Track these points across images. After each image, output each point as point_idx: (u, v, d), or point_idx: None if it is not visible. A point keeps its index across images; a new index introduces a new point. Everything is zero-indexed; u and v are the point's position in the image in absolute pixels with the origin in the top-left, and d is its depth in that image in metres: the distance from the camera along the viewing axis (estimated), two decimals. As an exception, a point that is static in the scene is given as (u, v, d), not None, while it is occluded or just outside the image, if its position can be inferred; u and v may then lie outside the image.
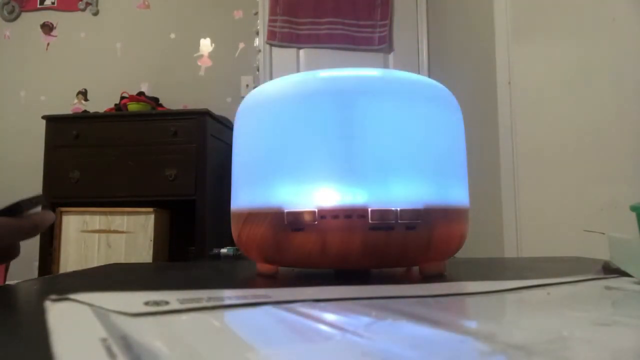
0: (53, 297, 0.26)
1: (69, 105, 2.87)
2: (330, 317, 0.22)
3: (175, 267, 0.50)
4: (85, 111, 2.67)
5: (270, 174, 0.38)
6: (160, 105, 2.59)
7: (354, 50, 2.70)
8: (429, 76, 2.60)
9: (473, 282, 0.34)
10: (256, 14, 2.77)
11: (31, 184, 2.81)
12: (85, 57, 2.89)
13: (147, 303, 0.24)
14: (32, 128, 2.84)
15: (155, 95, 2.71)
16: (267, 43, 2.70)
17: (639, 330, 0.20)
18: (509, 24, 1.61)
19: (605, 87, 1.30)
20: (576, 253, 0.75)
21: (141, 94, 2.59)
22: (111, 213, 2.09)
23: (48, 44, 2.93)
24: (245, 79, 2.76)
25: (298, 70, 2.70)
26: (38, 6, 2.95)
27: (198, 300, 0.25)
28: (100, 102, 2.81)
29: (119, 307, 0.23)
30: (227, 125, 2.51)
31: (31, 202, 0.38)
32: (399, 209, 0.36)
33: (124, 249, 2.07)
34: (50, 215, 0.39)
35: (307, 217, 0.36)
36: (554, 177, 1.43)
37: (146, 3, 2.88)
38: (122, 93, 2.68)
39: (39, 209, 0.39)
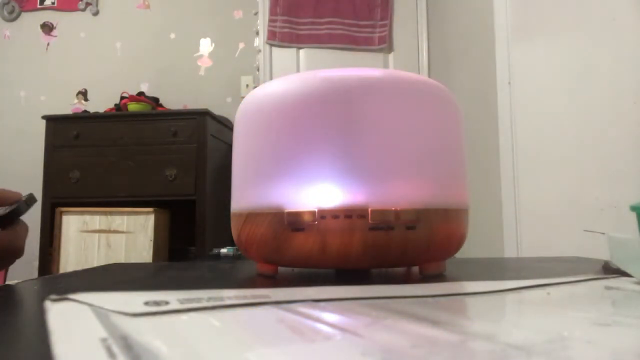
0: (53, 297, 0.26)
1: (69, 105, 2.87)
2: (330, 317, 0.22)
3: (175, 267, 0.50)
4: (85, 111, 2.68)
5: (270, 174, 0.38)
6: (160, 105, 2.59)
7: (354, 50, 2.70)
8: (429, 76, 2.60)
9: (473, 282, 0.34)
10: (256, 14, 2.77)
11: (31, 184, 2.81)
12: (85, 57, 2.90)
13: (147, 303, 0.24)
14: (32, 128, 2.84)
15: (155, 95, 2.71)
16: (267, 43, 2.70)
17: (639, 330, 0.20)
18: (509, 24, 1.61)
19: (605, 87, 1.30)
20: (576, 253, 0.75)
21: (141, 94, 2.59)
22: (111, 213, 2.09)
23: (48, 44, 2.93)
24: (245, 79, 2.76)
25: (298, 70, 2.70)
26: (38, 6, 2.95)
27: (198, 300, 0.25)
28: (100, 102, 2.82)
29: (119, 307, 0.23)
30: (227, 125, 2.51)
31: (28, 204, 0.38)
32: (399, 209, 0.36)
33: (124, 249, 2.07)
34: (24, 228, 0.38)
35: (307, 217, 0.36)
36: (554, 177, 1.43)
37: (146, 3, 2.89)
38: (122, 93, 2.68)
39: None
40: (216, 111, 2.71)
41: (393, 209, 0.36)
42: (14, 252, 0.37)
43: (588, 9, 1.35)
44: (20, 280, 0.38)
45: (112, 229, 2.08)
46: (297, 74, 0.40)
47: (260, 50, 2.72)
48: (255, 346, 0.17)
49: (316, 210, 0.36)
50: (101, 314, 0.22)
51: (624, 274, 0.38)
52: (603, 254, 0.46)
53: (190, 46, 2.83)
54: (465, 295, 0.29)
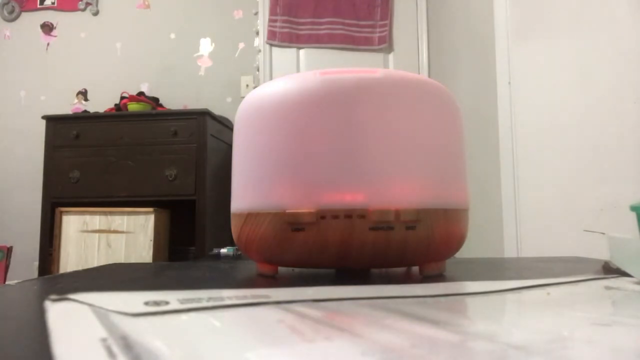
0: (53, 297, 0.26)
1: (69, 105, 2.87)
2: (330, 317, 0.22)
3: (175, 267, 0.50)
4: (85, 111, 2.68)
5: (270, 174, 0.38)
6: (160, 105, 2.59)
7: (353, 50, 2.70)
8: (429, 76, 2.60)
9: (473, 282, 0.34)
10: (256, 14, 2.77)
11: (31, 184, 2.81)
12: (85, 57, 2.90)
13: (147, 303, 0.24)
14: (32, 128, 2.84)
15: (155, 95, 2.72)
16: (267, 43, 2.70)
17: (639, 330, 0.20)
18: (509, 24, 1.61)
19: (605, 87, 1.30)
20: (576, 253, 0.75)
21: (141, 94, 2.59)
22: (111, 213, 2.09)
23: (48, 44, 2.93)
24: (245, 79, 2.76)
25: (298, 70, 2.70)
26: (38, 6, 2.96)
27: (198, 300, 0.25)
28: (100, 102, 2.82)
29: (119, 307, 0.23)
30: (227, 125, 2.52)
31: None
32: (399, 209, 0.36)
33: (124, 249, 2.07)
34: None
35: (307, 217, 0.36)
36: (554, 177, 1.43)
37: (146, 3, 2.89)
38: (122, 93, 2.68)
39: None
40: (216, 111, 2.71)
41: (393, 209, 0.36)
42: None
43: (588, 9, 1.35)
44: (20, 280, 0.38)
45: (112, 229, 2.08)
46: (297, 74, 0.40)
47: (260, 50, 2.72)
48: (255, 346, 0.17)
49: (316, 210, 0.36)
50: (101, 314, 0.22)
51: (624, 274, 0.38)
52: (603, 254, 0.46)
53: (190, 46, 2.83)
54: (465, 295, 0.29)
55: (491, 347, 0.17)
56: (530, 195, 1.51)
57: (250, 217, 0.39)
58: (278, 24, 2.68)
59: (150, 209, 2.07)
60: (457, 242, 0.40)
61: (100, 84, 2.86)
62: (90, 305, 0.24)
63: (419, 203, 0.37)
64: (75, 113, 2.69)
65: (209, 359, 0.15)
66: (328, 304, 0.25)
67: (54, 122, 2.28)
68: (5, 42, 2.96)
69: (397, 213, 0.36)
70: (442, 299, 0.27)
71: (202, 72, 2.81)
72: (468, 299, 0.28)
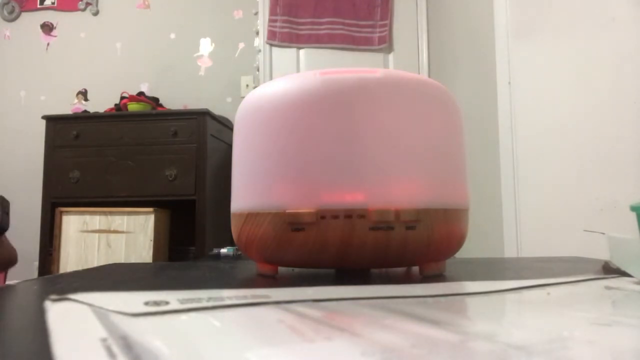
0: (53, 297, 0.26)
1: (69, 105, 2.87)
2: (330, 317, 0.22)
3: (175, 267, 0.50)
4: (85, 111, 2.68)
5: (270, 174, 0.38)
6: (160, 105, 2.59)
7: (353, 50, 2.70)
8: (429, 76, 2.60)
9: (473, 282, 0.34)
10: (256, 14, 2.77)
11: (31, 184, 2.81)
12: (85, 57, 2.90)
13: (147, 303, 0.24)
14: (32, 128, 2.84)
15: (155, 95, 2.72)
16: (267, 43, 2.70)
17: (639, 330, 0.20)
18: (509, 24, 1.61)
19: (605, 87, 1.29)
20: (576, 253, 0.75)
21: (141, 94, 2.59)
22: (111, 213, 2.09)
23: (48, 44, 2.93)
24: (245, 79, 2.76)
25: (298, 70, 2.70)
26: (38, 6, 2.96)
27: (198, 300, 0.25)
28: (100, 102, 2.82)
29: (119, 307, 0.23)
30: (227, 125, 2.52)
31: (5, 212, 0.38)
32: (399, 208, 0.36)
33: (124, 249, 2.07)
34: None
35: (307, 217, 0.36)
36: (554, 177, 1.43)
37: (146, 3, 2.89)
38: (122, 93, 2.68)
39: None
40: (216, 111, 2.71)
41: (393, 209, 0.36)
42: (13, 259, 0.38)
43: (588, 9, 1.35)
44: (20, 280, 0.38)
45: (112, 229, 2.08)
46: (297, 74, 0.40)
47: (260, 50, 2.72)
48: (255, 346, 0.17)
49: (316, 210, 0.36)
50: (101, 314, 0.22)
51: (624, 274, 0.38)
52: (603, 254, 0.46)
53: (190, 46, 2.83)
54: (465, 295, 0.29)
55: (491, 347, 0.17)
56: (530, 195, 1.51)
57: (250, 217, 0.39)
58: (278, 24, 2.68)
59: (150, 209, 2.07)
60: (457, 242, 0.40)
61: (100, 84, 2.86)
62: (90, 305, 0.24)
63: (419, 203, 0.37)
64: (75, 113, 2.69)
65: (209, 359, 0.15)
66: (328, 304, 0.25)
67: (54, 122, 2.28)
68: (5, 42, 2.96)
69: (397, 213, 0.36)
70: (442, 299, 0.27)
71: (202, 72, 2.81)
72: (468, 299, 0.28)
